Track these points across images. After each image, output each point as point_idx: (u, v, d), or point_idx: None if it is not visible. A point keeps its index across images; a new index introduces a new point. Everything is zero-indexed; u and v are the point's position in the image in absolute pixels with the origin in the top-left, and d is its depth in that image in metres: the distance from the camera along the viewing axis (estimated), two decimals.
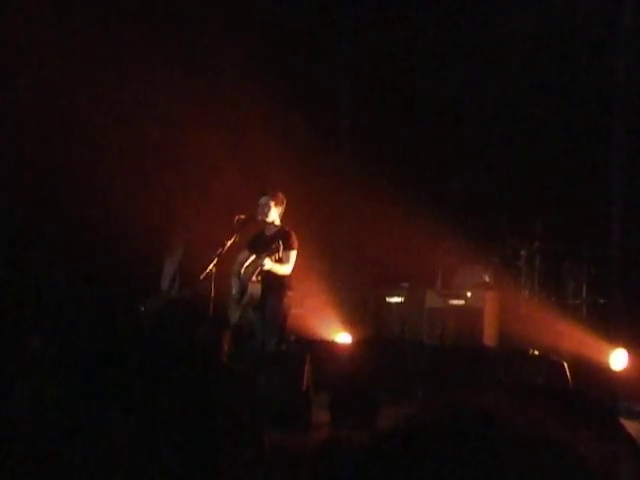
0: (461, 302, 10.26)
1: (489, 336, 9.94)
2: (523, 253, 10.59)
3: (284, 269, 7.28)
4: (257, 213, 7.50)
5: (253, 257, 7.27)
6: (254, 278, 7.19)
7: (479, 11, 11.21)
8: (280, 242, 7.13)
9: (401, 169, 11.12)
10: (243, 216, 7.45)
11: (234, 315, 7.31)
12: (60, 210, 9.89)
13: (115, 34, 10.36)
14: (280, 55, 11.22)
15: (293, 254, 7.37)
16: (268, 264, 7.05)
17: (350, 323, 10.30)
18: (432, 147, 11.37)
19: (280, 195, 7.59)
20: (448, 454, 0.96)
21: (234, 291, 7.39)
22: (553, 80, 11.01)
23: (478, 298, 10.13)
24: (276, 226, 7.54)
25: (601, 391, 7.68)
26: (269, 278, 7.20)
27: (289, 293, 7.38)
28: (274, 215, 7.53)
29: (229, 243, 7.31)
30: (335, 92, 11.87)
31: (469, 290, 10.28)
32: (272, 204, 7.50)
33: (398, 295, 10.86)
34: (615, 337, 8.88)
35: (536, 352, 8.95)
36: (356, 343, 9.78)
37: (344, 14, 11.75)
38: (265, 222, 7.53)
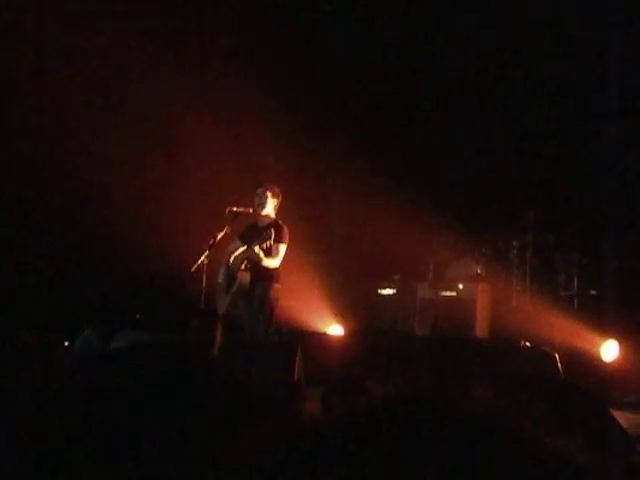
0: (453, 294, 10.28)
1: (481, 328, 9.96)
2: (515, 245, 10.61)
3: (273, 262, 7.24)
4: (252, 204, 7.48)
5: (243, 247, 7.24)
6: (243, 267, 7.15)
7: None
8: (272, 230, 7.09)
9: (393, 162, 11.12)
10: (235, 208, 7.44)
11: (222, 304, 7.30)
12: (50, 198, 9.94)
13: (113, 30, 10.35)
14: (276, 48, 11.21)
15: (283, 247, 7.33)
16: (257, 252, 6.98)
17: (342, 315, 10.31)
18: (424, 139, 11.37)
19: (276, 188, 7.57)
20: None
21: (221, 280, 7.37)
22: (546, 71, 11.01)
23: (470, 290, 10.15)
24: (270, 218, 7.50)
25: (592, 382, 7.70)
26: (257, 269, 7.17)
27: (277, 286, 7.34)
28: (269, 207, 7.49)
29: (220, 235, 7.30)
30: (328, 86, 11.85)
31: (461, 282, 10.30)
32: (268, 195, 7.47)
33: (390, 287, 10.88)
34: (606, 328, 8.90)
35: (527, 343, 8.97)
36: (348, 335, 9.79)
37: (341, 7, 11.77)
38: (259, 214, 7.51)
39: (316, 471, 0.93)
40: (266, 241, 7.03)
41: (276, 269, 7.33)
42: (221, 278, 7.41)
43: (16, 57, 9.81)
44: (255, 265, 7.14)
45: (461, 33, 11.13)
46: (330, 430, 1.00)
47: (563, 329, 9.05)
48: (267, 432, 1.05)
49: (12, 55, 9.71)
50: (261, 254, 7.01)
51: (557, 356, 8.13)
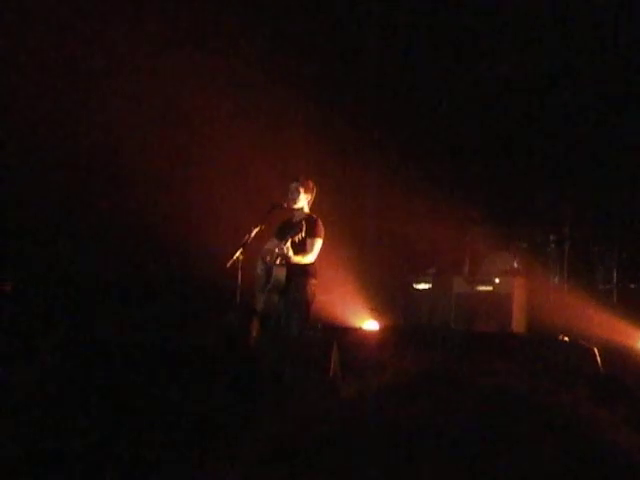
0: (489, 288, 10.20)
1: (518, 322, 9.88)
2: (552, 238, 10.51)
3: (308, 257, 7.18)
4: (286, 199, 7.43)
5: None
6: (278, 262, 7.07)
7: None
8: (304, 223, 7.01)
9: (428, 155, 11.07)
10: (270, 202, 7.40)
11: (259, 301, 7.26)
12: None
13: (136, 20, 10.41)
14: (309, 42, 11.20)
15: (318, 242, 7.25)
16: (286, 248, 6.90)
17: (377, 310, 10.30)
18: (459, 132, 11.30)
19: (310, 183, 7.49)
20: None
21: (259, 277, 7.33)
22: (581, 62, 10.89)
23: (506, 284, 10.06)
24: (304, 213, 7.44)
25: (632, 377, 7.61)
26: (293, 264, 7.10)
27: (313, 281, 7.26)
28: (303, 202, 7.43)
29: (256, 230, 7.27)
30: (363, 80, 11.84)
31: (497, 276, 10.22)
32: (301, 190, 7.40)
33: (425, 281, 10.83)
34: None
35: (566, 338, 8.88)
36: (383, 330, 9.77)
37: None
38: (293, 209, 7.46)
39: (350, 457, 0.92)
40: (297, 235, 6.95)
41: (312, 264, 7.26)
42: (258, 275, 7.37)
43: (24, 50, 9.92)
44: (290, 261, 7.07)
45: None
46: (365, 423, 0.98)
47: (602, 323, 8.96)
48: (300, 425, 1.04)
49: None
50: (290, 252, 6.92)
51: (596, 350, 8.04)
